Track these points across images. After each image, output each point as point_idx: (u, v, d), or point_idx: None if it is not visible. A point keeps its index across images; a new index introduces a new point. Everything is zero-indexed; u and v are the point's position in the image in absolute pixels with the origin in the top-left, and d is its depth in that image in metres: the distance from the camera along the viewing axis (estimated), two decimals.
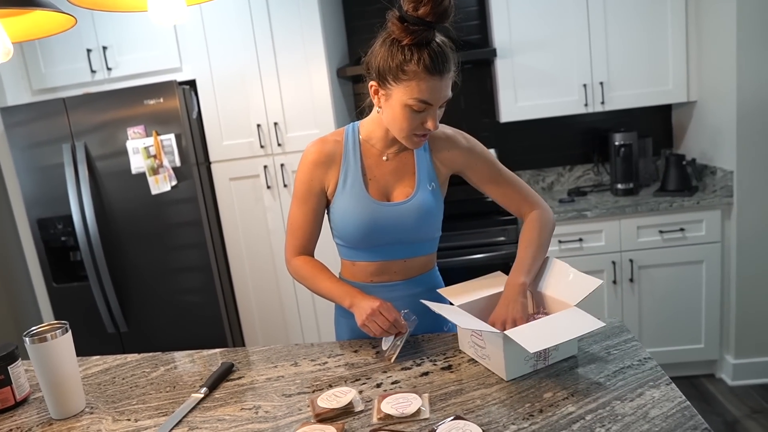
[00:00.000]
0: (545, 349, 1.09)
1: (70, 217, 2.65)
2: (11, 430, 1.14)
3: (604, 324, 1.05)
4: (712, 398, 2.59)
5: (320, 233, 1.42)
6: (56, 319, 2.81)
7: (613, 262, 2.67)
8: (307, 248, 1.42)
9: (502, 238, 2.71)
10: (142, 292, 2.75)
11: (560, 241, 2.69)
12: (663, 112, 3.13)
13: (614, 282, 2.69)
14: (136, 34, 2.73)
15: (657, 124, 3.15)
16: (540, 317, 1.17)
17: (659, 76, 2.78)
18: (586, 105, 2.83)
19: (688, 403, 0.94)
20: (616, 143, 2.86)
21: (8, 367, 1.22)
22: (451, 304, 1.28)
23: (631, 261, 2.65)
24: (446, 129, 1.39)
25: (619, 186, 2.88)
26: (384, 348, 1.26)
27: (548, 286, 1.25)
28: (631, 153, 2.84)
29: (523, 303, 1.22)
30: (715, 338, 2.68)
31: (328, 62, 2.67)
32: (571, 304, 1.15)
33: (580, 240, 2.68)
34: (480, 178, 1.39)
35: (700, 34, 2.69)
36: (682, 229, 2.60)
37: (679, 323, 2.69)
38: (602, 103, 2.82)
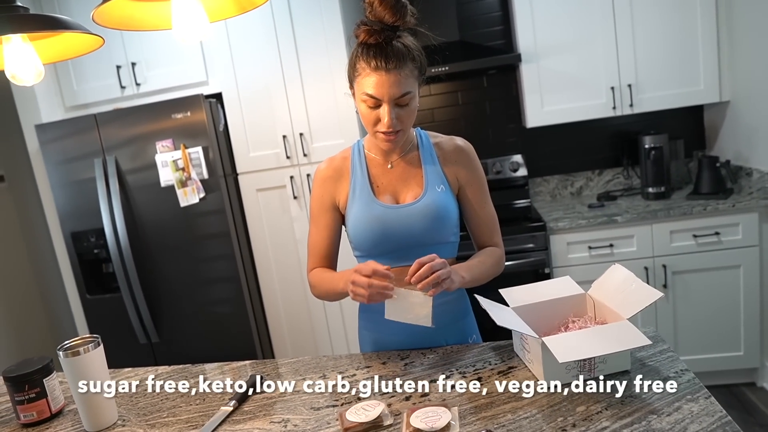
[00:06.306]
0: (591, 360, 1.06)
1: (102, 230, 2.71)
2: None
3: (649, 342, 1.02)
4: (753, 408, 2.50)
5: (338, 253, 1.43)
6: (90, 330, 2.87)
7: (646, 268, 2.60)
8: (326, 266, 1.42)
9: (530, 245, 2.67)
10: (173, 304, 2.78)
11: (590, 247, 2.64)
12: (695, 113, 3.05)
13: None
14: (164, 50, 2.78)
15: (688, 125, 3.07)
16: (587, 326, 1.15)
17: (690, 76, 2.71)
18: (614, 108, 2.77)
19: (729, 417, 0.90)
20: (646, 146, 2.80)
21: (44, 380, 1.24)
22: (507, 305, 1.25)
23: (664, 267, 2.58)
24: (458, 140, 1.40)
25: (650, 190, 2.81)
26: (393, 314, 1.20)
27: (607, 294, 1.21)
28: (662, 156, 2.77)
29: (453, 279, 1.20)
30: (755, 345, 2.59)
31: None
32: (625, 316, 1.11)
33: (611, 246, 2.62)
34: (470, 199, 1.38)
35: (731, 32, 2.62)
36: (717, 233, 2.52)
37: (716, 330, 2.61)
38: (631, 105, 2.76)
